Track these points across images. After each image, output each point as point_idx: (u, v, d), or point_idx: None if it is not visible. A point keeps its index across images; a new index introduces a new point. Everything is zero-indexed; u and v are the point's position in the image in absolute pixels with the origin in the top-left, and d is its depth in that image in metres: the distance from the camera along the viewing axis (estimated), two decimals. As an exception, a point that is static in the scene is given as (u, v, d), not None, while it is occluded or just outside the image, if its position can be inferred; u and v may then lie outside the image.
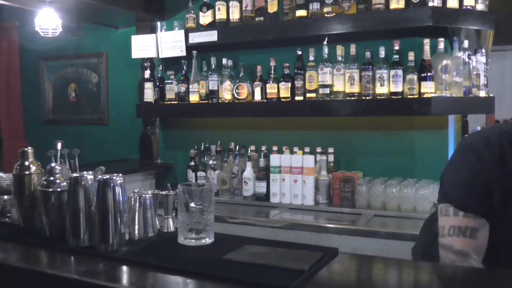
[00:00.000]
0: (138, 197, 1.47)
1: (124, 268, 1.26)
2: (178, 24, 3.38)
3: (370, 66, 2.79)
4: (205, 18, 3.27)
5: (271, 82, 3.07)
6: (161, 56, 3.45)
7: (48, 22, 3.34)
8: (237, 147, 3.31)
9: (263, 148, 3.22)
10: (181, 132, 3.73)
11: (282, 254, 1.26)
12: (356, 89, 2.81)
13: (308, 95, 2.95)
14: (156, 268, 1.22)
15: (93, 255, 1.32)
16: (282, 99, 3.03)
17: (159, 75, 3.55)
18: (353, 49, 2.85)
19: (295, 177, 2.97)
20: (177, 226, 1.41)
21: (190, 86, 3.31)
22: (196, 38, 3.27)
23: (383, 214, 2.72)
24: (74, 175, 1.40)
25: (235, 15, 3.16)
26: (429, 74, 2.67)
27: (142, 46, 3.49)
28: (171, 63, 3.55)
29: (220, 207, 2.99)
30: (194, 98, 3.29)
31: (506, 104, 5.45)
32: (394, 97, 2.73)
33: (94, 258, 1.30)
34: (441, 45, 2.71)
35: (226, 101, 3.20)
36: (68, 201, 1.40)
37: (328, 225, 2.60)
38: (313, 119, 3.18)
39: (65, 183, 1.46)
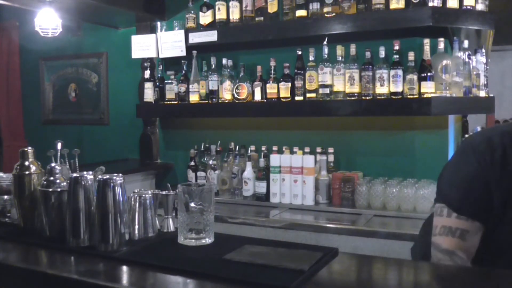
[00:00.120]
0: (138, 197, 1.47)
1: (124, 268, 1.26)
2: (178, 24, 3.38)
3: (370, 66, 2.79)
4: (205, 18, 3.27)
5: (271, 82, 3.07)
6: (161, 56, 3.45)
7: (48, 22, 3.34)
8: (237, 147, 3.31)
9: (263, 148, 3.22)
10: (181, 132, 3.73)
11: (282, 254, 1.26)
12: (356, 89, 2.81)
13: (308, 95, 2.95)
14: (156, 268, 1.22)
15: (93, 255, 1.32)
16: (282, 99, 3.03)
17: (159, 75, 3.55)
18: (353, 49, 2.85)
19: (295, 177, 2.97)
20: (177, 226, 1.41)
21: (190, 86, 3.31)
22: (196, 38, 3.27)
23: (383, 214, 2.72)
24: (74, 175, 1.40)
25: (235, 15, 3.16)
26: (429, 74, 2.67)
27: (142, 46, 3.49)
28: (171, 63, 3.55)
29: (220, 207, 2.99)
30: (194, 98, 3.29)
31: (506, 104, 5.46)
32: (394, 97, 2.73)
33: (94, 258, 1.30)
34: (441, 45, 2.71)
35: (226, 101, 3.20)
36: (68, 201, 1.40)
37: (328, 225, 2.60)
38: (313, 119, 3.18)
39: (65, 183, 1.46)
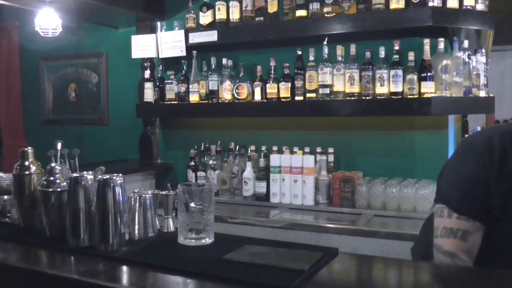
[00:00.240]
0: (138, 197, 1.47)
1: (124, 268, 1.26)
2: (178, 24, 3.38)
3: (370, 66, 2.79)
4: (205, 18, 3.27)
5: (271, 82, 3.07)
6: (161, 56, 3.45)
7: (48, 22, 3.34)
8: (237, 147, 3.31)
9: (263, 148, 3.22)
10: (181, 132, 3.73)
11: (282, 254, 1.26)
12: (356, 89, 2.81)
13: (308, 95, 2.95)
14: (156, 268, 1.22)
15: (93, 255, 1.32)
16: (282, 99, 3.03)
17: (159, 75, 3.55)
18: (353, 49, 2.85)
19: (295, 177, 2.97)
20: (177, 226, 1.41)
21: (190, 86, 3.31)
22: (196, 38, 3.27)
23: (383, 214, 2.72)
24: (74, 175, 1.40)
25: (235, 15, 3.16)
26: (429, 74, 2.67)
27: (142, 46, 3.49)
28: (171, 63, 3.55)
29: (220, 207, 2.99)
30: (194, 98, 3.29)
31: (506, 104, 5.46)
32: (394, 97, 2.73)
33: (94, 258, 1.30)
34: (441, 45, 2.71)
35: (226, 101, 3.20)
36: (68, 201, 1.40)
37: (328, 225, 2.60)
38: (313, 119, 3.18)
39: (65, 183, 1.46)
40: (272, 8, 3.04)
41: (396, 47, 2.75)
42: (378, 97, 2.77)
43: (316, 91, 2.93)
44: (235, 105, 3.16)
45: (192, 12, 3.34)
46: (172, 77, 3.44)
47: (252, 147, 3.26)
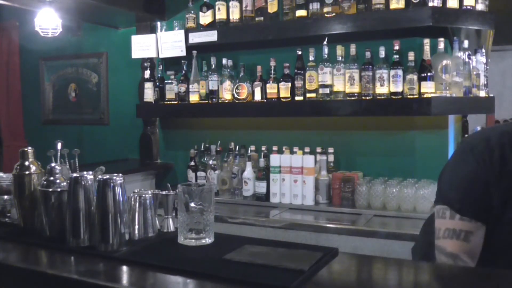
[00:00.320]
0: (138, 197, 1.47)
1: (124, 268, 1.26)
2: (178, 24, 3.38)
3: (370, 66, 2.79)
4: (205, 18, 3.27)
5: (271, 82, 3.07)
6: (161, 56, 3.45)
7: (48, 22, 3.34)
8: (237, 147, 3.31)
9: (263, 148, 3.22)
10: (181, 132, 3.73)
11: (282, 254, 1.26)
12: (356, 89, 2.81)
13: (308, 95, 2.95)
14: (156, 268, 1.22)
15: (93, 255, 1.32)
16: (282, 99, 3.03)
17: (159, 75, 3.55)
18: (353, 49, 2.85)
19: (295, 177, 2.97)
20: (177, 226, 1.41)
21: (190, 86, 3.31)
22: (196, 38, 3.27)
23: (383, 214, 2.72)
24: (74, 175, 1.40)
25: (235, 15, 3.16)
26: (429, 74, 2.67)
27: (142, 46, 3.49)
28: (171, 63, 3.55)
29: (220, 207, 2.99)
30: (194, 98, 3.29)
31: (506, 104, 5.46)
32: (394, 97, 2.73)
33: (94, 258, 1.30)
34: (441, 45, 2.71)
35: (226, 101, 3.20)
36: (68, 201, 1.40)
37: (328, 225, 2.60)
38: (313, 119, 3.18)
39: (65, 183, 1.46)
40: (272, 8, 3.04)
41: (396, 47, 2.75)
42: (378, 97, 2.77)
43: (316, 91, 2.93)
44: (235, 105, 3.16)
45: (192, 12, 3.34)
46: (172, 77, 3.44)
47: (252, 147, 3.26)
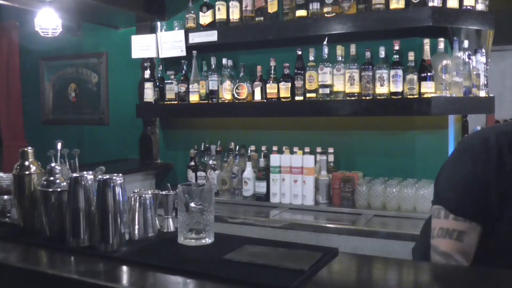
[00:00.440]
0: (138, 197, 1.47)
1: (124, 268, 1.26)
2: (178, 24, 3.38)
3: (370, 66, 2.79)
4: (205, 18, 3.27)
5: (271, 82, 3.07)
6: (161, 56, 3.45)
7: (48, 22, 3.34)
8: (237, 147, 3.31)
9: (263, 148, 3.22)
10: (181, 132, 3.73)
11: (282, 254, 1.26)
12: (356, 89, 2.81)
13: (308, 95, 2.95)
14: (156, 268, 1.22)
15: (93, 255, 1.32)
16: (282, 99, 3.03)
17: (159, 75, 3.55)
18: (353, 49, 2.85)
19: (295, 177, 2.97)
20: (177, 226, 1.41)
21: (190, 86, 3.31)
22: (196, 38, 3.27)
23: (383, 214, 2.72)
24: (74, 175, 1.40)
25: (235, 15, 3.16)
26: (429, 74, 2.67)
27: (142, 46, 3.49)
28: (171, 63, 3.55)
29: (220, 207, 2.99)
30: (194, 98, 3.29)
31: (506, 104, 5.45)
32: (394, 97, 2.73)
33: (94, 258, 1.30)
34: (441, 45, 2.71)
35: (226, 101, 3.20)
36: (68, 201, 1.40)
37: (328, 225, 2.60)
38: (313, 119, 3.18)
39: (65, 183, 1.46)
40: (272, 8, 3.04)
41: (396, 47, 2.75)
42: (378, 97, 2.77)
43: (316, 91, 2.93)
44: (235, 105, 3.16)
45: (192, 12, 3.34)
46: (172, 77, 3.44)
47: (252, 147, 3.26)
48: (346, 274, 1.28)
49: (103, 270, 1.25)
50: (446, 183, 1.37)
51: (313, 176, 2.94)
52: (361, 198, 2.80)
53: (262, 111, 3.14)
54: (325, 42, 2.90)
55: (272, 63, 3.09)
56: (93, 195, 1.39)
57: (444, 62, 2.68)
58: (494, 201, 1.27)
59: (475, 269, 1.25)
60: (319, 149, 3.04)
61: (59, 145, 1.62)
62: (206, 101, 3.27)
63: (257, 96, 3.12)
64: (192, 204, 1.35)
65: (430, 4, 2.60)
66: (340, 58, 2.86)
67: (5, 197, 1.67)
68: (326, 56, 2.90)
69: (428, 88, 2.66)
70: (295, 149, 3.07)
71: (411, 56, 2.72)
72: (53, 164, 1.51)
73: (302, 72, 2.97)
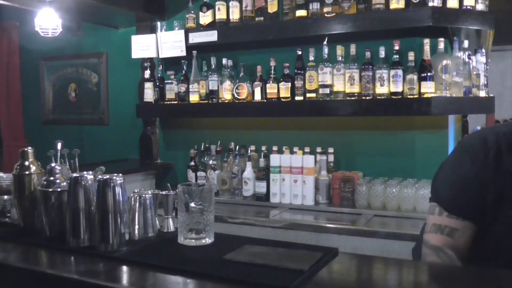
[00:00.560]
0: (138, 197, 1.47)
1: (124, 268, 1.26)
2: (178, 24, 3.38)
3: (370, 66, 2.79)
4: (205, 18, 3.27)
5: (271, 82, 3.07)
6: (161, 56, 3.45)
7: (48, 22, 3.34)
8: (237, 147, 3.31)
9: (263, 148, 3.22)
10: (181, 132, 3.73)
11: (282, 254, 1.26)
12: (356, 89, 2.81)
13: (308, 95, 2.95)
14: (156, 268, 1.22)
15: (93, 255, 1.32)
16: (282, 99, 3.03)
17: (159, 75, 3.55)
18: (353, 49, 2.85)
19: (295, 177, 2.97)
20: (177, 226, 1.41)
21: (190, 86, 3.31)
22: (196, 38, 3.27)
23: (383, 214, 2.72)
24: (74, 175, 1.40)
25: (235, 15, 3.16)
26: (429, 74, 2.67)
27: (142, 46, 3.49)
28: (171, 63, 3.55)
29: (220, 207, 2.99)
30: (194, 98, 3.29)
31: (506, 104, 5.45)
32: (394, 97, 2.73)
33: (94, 258, 1.30)
34: (441, 45, 2.71)
35: (226, 101, 3.20)
36: (68, 201, 1.40)
37: (328, 225, 2.60)
38: (313, 119, 3.18)
39: (65, 183, 1.46)
40: (272, 8, 3.04)
41: (396, 47, 2.75)
42: (378, 97, 2.77)
43: (316, 91, 2.93)
44: (235, 105, 3.16)
45: (192, 12, 3.34)
46: (172, 77, 3.44)
47: (252, 147, 3.26)
48: (346, 274, 1.28)
49: (103, 270, 1.25)
50: (443, 181, 1.39)
51: (313, 176, 2.94)
52: (361, 198, 2.80)
53: (262, 111, 3.14)
54: (325, 42, 2.90)
55: (272, 63, 3.09)
56: (93, 195, 1.38)
57: (444, 62, 2.68)
58: (490, 201, 1.27)
59: (475, 269, 1.25)
60: (319, 149, 3.04)
61: (59, 145, 1.62)
62: (206, 101, 3.27)
63: (257, 96, 3.12)
64: (192, 204, 1.35)
65: (430, 4, 2.60)
66: (340, 58, 2.86)
67: (5, 197, 1.67)
68: (326, 56, 2.90)
69: (428, 88, 2.66)
70: (295, 149, 3.07)
71: (411, 56, 2.72)
72: (53, 164, 1.51)
73: (302, 72, 2.97)
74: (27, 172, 1.54)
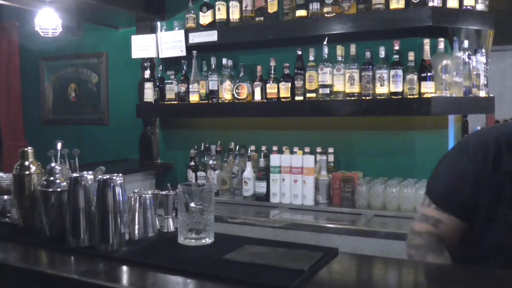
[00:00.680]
0: (138, 197, 1.47)
1: (124, 268, 1.26)
2: (178, 24, 3.38)
3: (370, 66, 2.79)
4: (205, 18, 3.27)
5: (271, 82, 3.07)
6: (161, 56, 3.45)
7: (48, 22, 3.34)
8: (237, 147, 3.31)
9: (263, 148, 3.22)
10: (181, 132, 3.73)
11: (282, 254, 1.26)
12: (356, 89, 2.81)
13: (308, 95, 2.95)
14: (156, 268, 1.22)
15: (93, 255, 1.32)
16: (282, 99, 3.03)
17: (159, 75, 3.55)
18: (353, 49, 2.85)
19: (295, 177, 2.97)
20: (177, 226, 1.41)
21: (190, 86, 3.31)
22: (196, 38, 3.27)
23: (383, 214, 2.72)
24: (74, 175, 1.40)
25: (235, 15, 3.16)
26: (429, 74, 2.67)
27: (142, 46, 3.49)
28: (171, 63, 3.55)
29: (220, 207, 2.99)
30: (194, 98, 3.29)
31: (506, 104, 5.45)
32: (394, 97, 2.73)
33: (94, 258, 1.30)
34: (441, 45, 2.71)
35: (226, 101, 3.20)
36: (68, 201, 1.40)
37: (328, 225, 2.60)
38: (313, 119, 3.18)
39: (65, 183, 1.46)
40: (272, 8, 3.04)
41: (396, 47, 2.75)
42: (378, 97, 2.77)
43: (316, 91, 2.93)
44: (235, 105, 3.16)
45: (192, 12, 3.34)
46: (172, 77, 3.44)
47: (252, 147, 3.25)
48: (346, 274, 1.28)
49: (103, 270, 1.25)
50: (438, 176, 1.46)
51: (313, 176, 2.94)
52: (361, 198, 2.80)
53: (262, 111, 3.14)
54: (325, 42, 2.90)
55: (272, 63, 3.09)
56: (93, 195, 1.39)
57: (444, 62, 2.68)
58: (486, 201, 1.29)
59: (475, 269, 1.25)
60: (319, 149, 3.04)
61: (59, 145, 1.62)
62: (206, 101, 3.27)
63: (257, 96, 3.12)
64: (192, 204, 1.35)
65: (430, 4, 2.60)
66: (340, 58, 2.86)
67: (5, 197, 1.67)
68: (326, 56, 2.90)
69: (428, 88, 2.66)
70: (295, 149, 3.06)
71: (411, 56, 2.72)
72: (53, 164, 1.51)
73: (302, 72, 2.97)
74: (27, 172, 1.54)
